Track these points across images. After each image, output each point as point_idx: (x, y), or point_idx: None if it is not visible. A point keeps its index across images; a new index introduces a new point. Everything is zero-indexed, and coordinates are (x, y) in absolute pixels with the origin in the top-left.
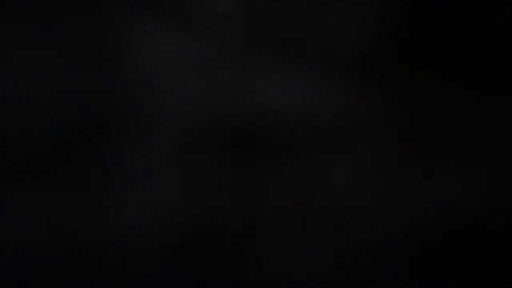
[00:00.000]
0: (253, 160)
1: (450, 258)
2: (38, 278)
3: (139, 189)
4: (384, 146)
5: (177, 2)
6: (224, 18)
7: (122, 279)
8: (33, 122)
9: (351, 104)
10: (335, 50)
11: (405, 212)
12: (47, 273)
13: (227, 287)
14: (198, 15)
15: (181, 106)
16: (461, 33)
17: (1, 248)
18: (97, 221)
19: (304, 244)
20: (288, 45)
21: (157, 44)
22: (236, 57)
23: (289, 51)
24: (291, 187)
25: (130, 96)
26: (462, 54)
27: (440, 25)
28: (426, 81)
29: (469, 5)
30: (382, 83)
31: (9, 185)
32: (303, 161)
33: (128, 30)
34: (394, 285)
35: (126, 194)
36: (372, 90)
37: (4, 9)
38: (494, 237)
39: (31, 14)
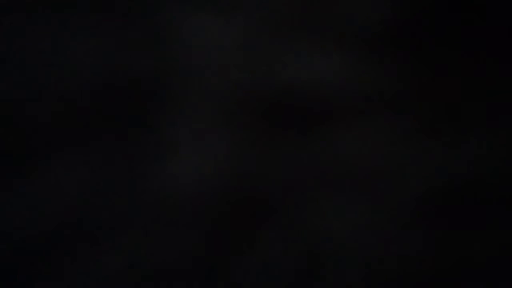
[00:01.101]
0: (288, 127)
1: (482, 215)
2: (91, 221)
3: (184, 154)
4: (411, 114)
5: None
6: (259, 0)
7: (166, 237)
8: (88, 91)
9: (378, 76)
10: (362, 25)
11: (433, 173)
12: (98, 220)
13: (271, 249)
14: None
15: (222, 79)
16: (486, 7)
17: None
18: (145, 181)
19: (340, 205)
20: (318, 23)
21: (200, 25)
22: (271, 35)
23: (318, 28)
24: (325, 153)
25: (176, 69)
26: (487, 26)
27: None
28: (450, 53)
29: None
30: (408, 56)
31: (71, 138)
32: (335, 129)
33: (173, 11)
34: (428, 243)
35: (173, 158)
36: (398, 62)
37: None
38: None
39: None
